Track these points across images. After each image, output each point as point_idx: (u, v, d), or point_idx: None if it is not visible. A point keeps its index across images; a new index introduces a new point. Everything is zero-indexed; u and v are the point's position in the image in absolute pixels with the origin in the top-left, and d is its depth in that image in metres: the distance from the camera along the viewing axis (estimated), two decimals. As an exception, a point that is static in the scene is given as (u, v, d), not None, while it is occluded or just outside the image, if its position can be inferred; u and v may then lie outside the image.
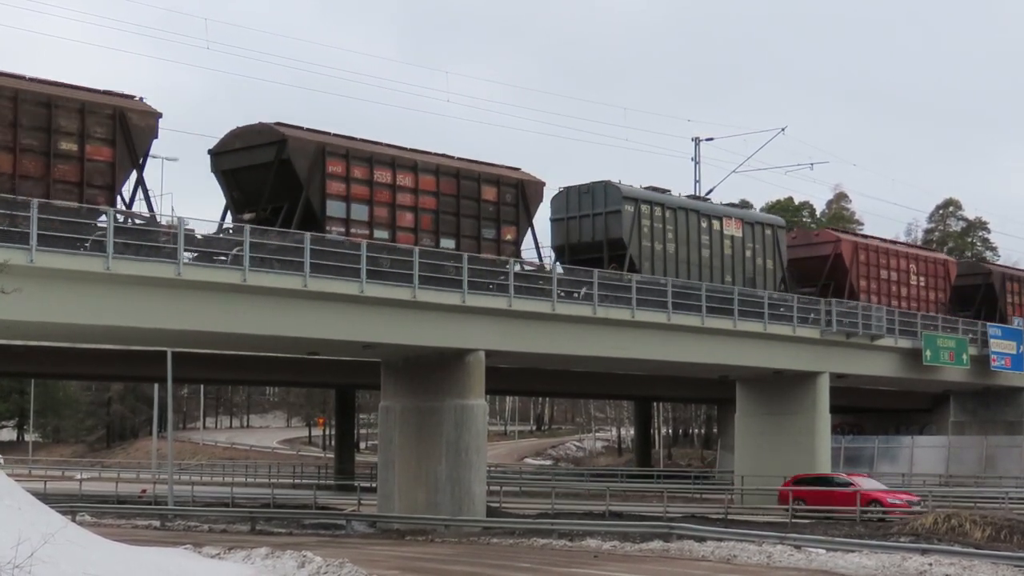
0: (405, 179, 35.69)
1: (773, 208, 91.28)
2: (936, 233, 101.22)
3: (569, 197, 42.65)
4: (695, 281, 43.03)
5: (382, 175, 35.23)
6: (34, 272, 27.11)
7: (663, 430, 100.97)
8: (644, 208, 42.16)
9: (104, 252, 28.21)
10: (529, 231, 39.53)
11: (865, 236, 58.08)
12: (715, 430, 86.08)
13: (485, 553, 29.99)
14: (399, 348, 36.47)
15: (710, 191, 55.13)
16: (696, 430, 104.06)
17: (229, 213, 34.88)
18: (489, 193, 37.79)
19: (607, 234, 41.50)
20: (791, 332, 46.27)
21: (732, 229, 45.42)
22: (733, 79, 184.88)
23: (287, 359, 53.83)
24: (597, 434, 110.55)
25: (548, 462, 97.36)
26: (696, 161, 60.76)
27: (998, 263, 77.97)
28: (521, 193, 38.70)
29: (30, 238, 27.06)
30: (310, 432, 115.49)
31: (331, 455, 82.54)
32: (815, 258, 51.48)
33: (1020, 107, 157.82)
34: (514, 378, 57.13)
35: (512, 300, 36.59)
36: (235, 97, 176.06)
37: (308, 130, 34.60)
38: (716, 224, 44.87)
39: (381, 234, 34.78)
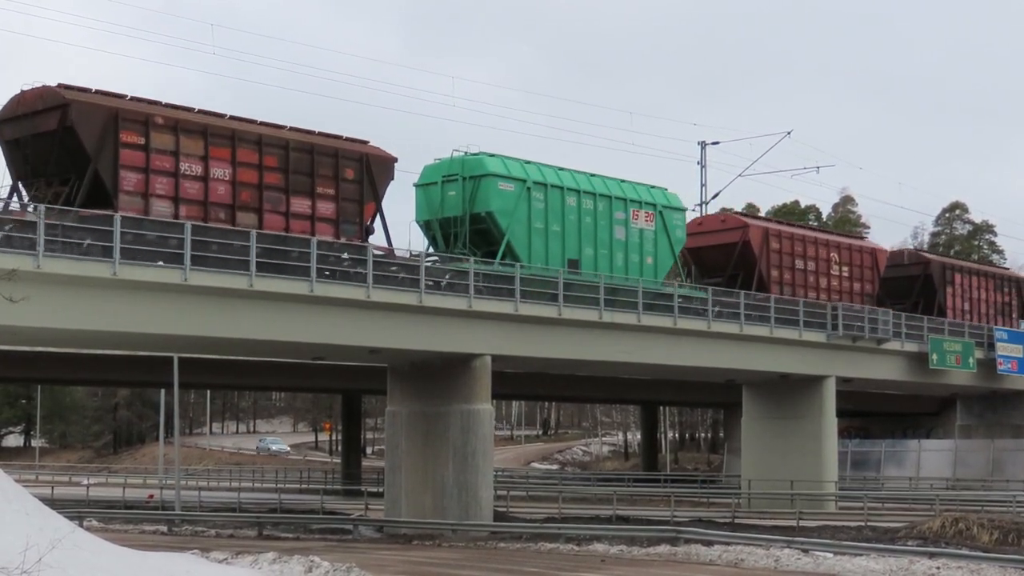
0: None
1: (779, 212, 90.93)
2: (942, 236, 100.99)
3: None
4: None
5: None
6: (41, 278, 27.13)
7: (669, 434, 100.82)
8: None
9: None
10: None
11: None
12: (722, 434, 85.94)
13: (492, 558, 30.00)
14: (405, 353, 36.46)
15: (715, 195, 55.12)
16: (703, 434, 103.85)
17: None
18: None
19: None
20: (797, 336, 46.20)
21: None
22: (739, 79, 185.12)
23: (293, 364, 53.82)
24: (604, 438, 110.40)
25: (555, 467, 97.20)
26: (702, 165, 60.89)
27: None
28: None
29: (37, 244, 27.11)
30: (316, 437, 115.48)
31: (338, 460, 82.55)
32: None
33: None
34: (520, 383, 57.11)
35: (518, 305, 36.55)
36: (236, 94, 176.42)
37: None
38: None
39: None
